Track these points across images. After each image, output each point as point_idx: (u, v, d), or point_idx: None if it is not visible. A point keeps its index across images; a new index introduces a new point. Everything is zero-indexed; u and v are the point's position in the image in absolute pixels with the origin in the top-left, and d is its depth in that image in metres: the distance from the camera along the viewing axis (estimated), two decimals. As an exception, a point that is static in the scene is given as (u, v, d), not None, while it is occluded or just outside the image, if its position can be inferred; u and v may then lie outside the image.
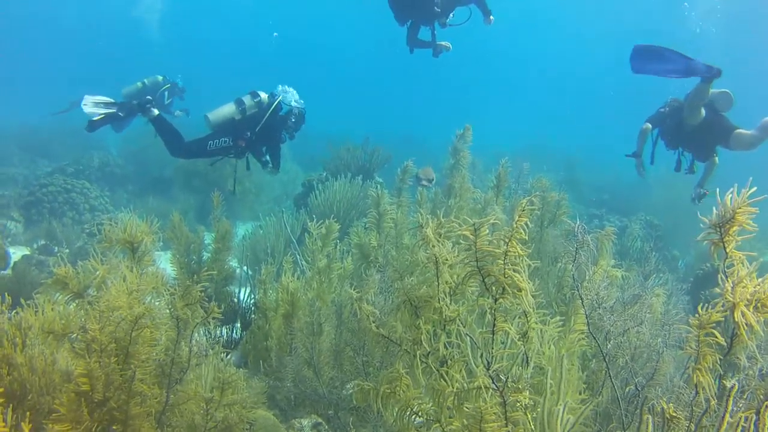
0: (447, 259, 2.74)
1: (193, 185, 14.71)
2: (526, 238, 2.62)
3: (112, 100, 7.43)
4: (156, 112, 7.57)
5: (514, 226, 2.58)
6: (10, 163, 17.92)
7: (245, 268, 8.55)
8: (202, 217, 12.45)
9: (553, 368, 3.09)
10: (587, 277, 3.81)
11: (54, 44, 58.77)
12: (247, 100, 8.00)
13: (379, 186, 6.78)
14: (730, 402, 2.62)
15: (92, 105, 7.29)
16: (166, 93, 14.49)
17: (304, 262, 6.90)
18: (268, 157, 8.42)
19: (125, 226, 4.24)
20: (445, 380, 2.79)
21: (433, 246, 2.72)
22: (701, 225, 2.77)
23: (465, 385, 2.77)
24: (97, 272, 3.94)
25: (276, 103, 8.14)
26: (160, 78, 14.42)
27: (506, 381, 2.66)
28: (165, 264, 6.88)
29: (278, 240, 9.13)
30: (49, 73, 54.98)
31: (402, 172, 6.77)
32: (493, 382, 2.67)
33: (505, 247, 2.60)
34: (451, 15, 9.42)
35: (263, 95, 8.12)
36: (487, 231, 2.63)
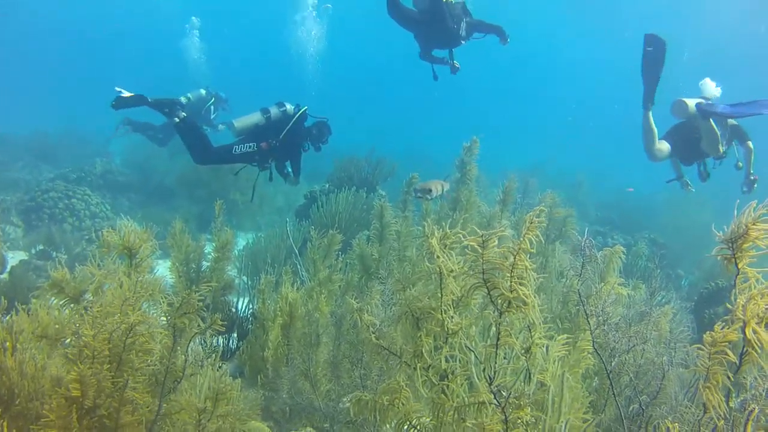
0: (452, 270, 2.66)
1: (195, 195, 14.68)
2: (534, 251, 2.55)
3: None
4: (183, 114, 7.67)
5: (522, 238, 2.51)
6: (13, 168, 17.89)
7: (245, 278, 8.50)
8: (203, 226, 12.41)
9: (555, 385, 3.02)
10: (593, 293, 3.74)
11: (72, 50, 59.01)
12: (273, 109, 8.17)
13: (382, 199, 6.73)
14: (749, 427, 2.54)
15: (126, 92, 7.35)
16: (212, 108, 14.58)
17: (304, 273, 6.83)
18: (290, 169, 8.57)
19: (123, 231, 4.18)
20: (445, 394, 2.71)
21: (438, 256, 2.65)
22: (716, 239, 2.70)
23: (466, 399, 2.69)
24: (94, 277, 3.88)
25: (301, 112, 8.24)
26: (203, 92, 14.57)
27: (508, 397, 2.58)
28: (164, 272, 6.83)
29: (279, 250, 9.08)
30: (66, 79, 55.31)
31: (407, 184, 6.73)
32: (495, 398, 2.59)
33: (512, 259, 2.53)
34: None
35: (289, 106, 8.26)
36: (496, 243, 2.56)
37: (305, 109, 8.27)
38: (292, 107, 8.26)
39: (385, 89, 65.32)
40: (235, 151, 7.95)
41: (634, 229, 17.22)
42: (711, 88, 8.32)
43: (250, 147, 7.98)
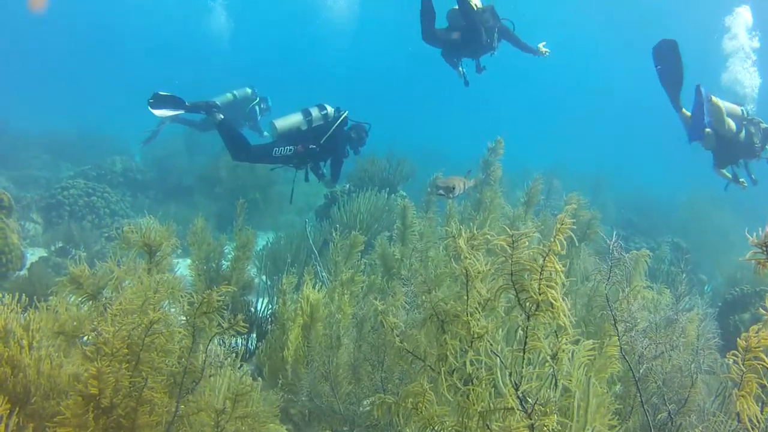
0: (480, 272, 2.59)
1: (214, 193, 14.70)
2: (564, 253, 2.47)
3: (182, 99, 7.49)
4: (221, 116, 7.66)
5: (553, 239, 2.43)
6: (33, 166, 17.96)
7: (264, 277, 8.45)
8: (222, 225, 12.38)
9: (581, 391, 2.94)
10: (621, 298, 3.66)
11: (89, 47, 59.23)
12: (314, 111, 8.18)
13: (404, 199, 6.67)
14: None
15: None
16: (257, 108, 14.54)
17: (325, 274, 6.78)
18: (325, 170, 8.63)
19: (144, 229, 4.15)
20: (470, 399, 2.64)
21: (466, 257, 2.57)
22: (749, 243, 2.61)
23: (492, 405, 2.62)
24: (113, 274, 3.84)
25: (342, 117, 8.29)
26: (249, 91, 14.47)
27: (535, 403, 2.51)
28: (184, 270, 6.79)
29: (299, 251, 9.03)
30: (84, 76, 55.53)
31: (430, 184, 6.66)
32: (521, 404, 2.52)
33: (542, 261, 2.45)
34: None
35: (329, 108, 8.29)
36: (527, 244, 2.49)
37: (346, 114, 8.31)
38: (333, 110, 8.29)
39: (399, 89, 65.18)
40: (275, 153, 7.97)
41: (655, 232, 17.07)
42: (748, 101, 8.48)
43: (289, 150, 7.99)
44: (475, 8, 8.97)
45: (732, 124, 8.13)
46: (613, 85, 59.34)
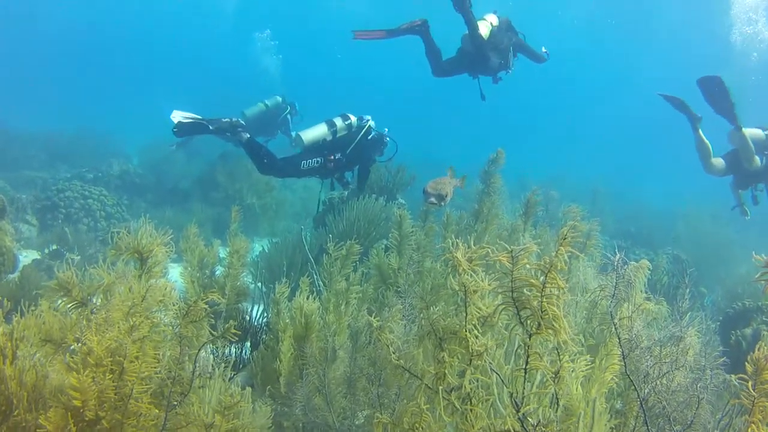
0: (477, 289, 2.49)
1: (211, 198, 14.64)
2: (567, 268, 2.38)
3: (200, 117, 7.47)
4: (247, 135, 7.79)
5: (555, 255, 2.33)
6: (29, 166, 17.88)
7: (259, 284, 8.36)
8: (218, 230, 12.30)
9: (583, 411, 2.85)
10: (621, 314, 3.57)
11: (88, 48, 59.09)
12: (338, 122, 8.35)
13: (401, 207, 6.58)
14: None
15: (180, 117, 7.33)
16: (290, 118, 14.81)
17: (320, 283, 6.70)
18: (349, 178, 8.96)
19: (136, 234, 4.06)
20: (468, 419, 2.54)
21: (464, 272, 2.47)
22: (756, 263, 2.51)
23: (491, 425, 2.52)
24: (103, 280, 3.74)
25: (366, 127, 8.52)
26: (279, 99, 14.79)
27: (537, 424, 2.41)
28: (177, 277, 6.70)
29: (295, 258, 8.94)
30: (82, 78, 55.41)
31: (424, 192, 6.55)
32: (522, 425, 2.43)
33: (543, 278, 2.34)
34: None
35: (353, 118, 8.46)
36: (527, 260, 2.39)
37: (370, 124, 8.53)
38: (356, 119, 8.44)
39: (397, 95, 65.15)
40: (303, 166, 8.11)
41: (654, 244, 16.99)
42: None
43: (316, 162, 8.18)
44: (491, 27, 9.05)
45: (758, 161, 8.31)
46: (612, 95, 59.40)
